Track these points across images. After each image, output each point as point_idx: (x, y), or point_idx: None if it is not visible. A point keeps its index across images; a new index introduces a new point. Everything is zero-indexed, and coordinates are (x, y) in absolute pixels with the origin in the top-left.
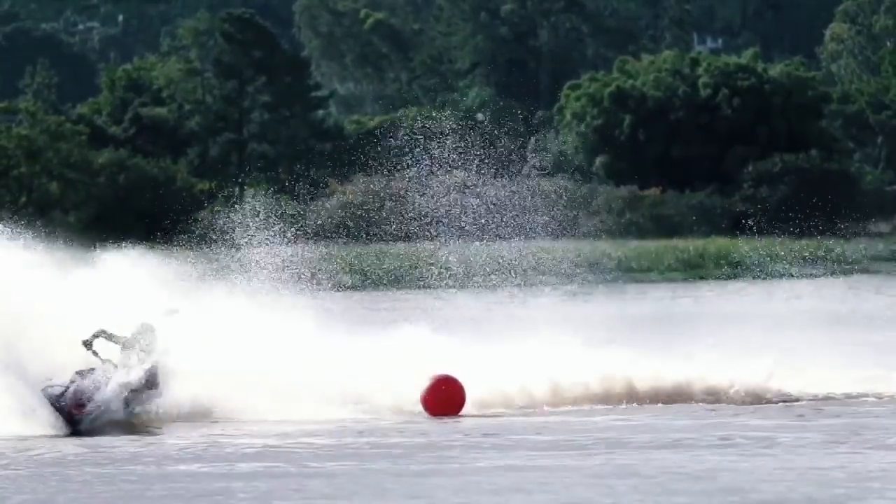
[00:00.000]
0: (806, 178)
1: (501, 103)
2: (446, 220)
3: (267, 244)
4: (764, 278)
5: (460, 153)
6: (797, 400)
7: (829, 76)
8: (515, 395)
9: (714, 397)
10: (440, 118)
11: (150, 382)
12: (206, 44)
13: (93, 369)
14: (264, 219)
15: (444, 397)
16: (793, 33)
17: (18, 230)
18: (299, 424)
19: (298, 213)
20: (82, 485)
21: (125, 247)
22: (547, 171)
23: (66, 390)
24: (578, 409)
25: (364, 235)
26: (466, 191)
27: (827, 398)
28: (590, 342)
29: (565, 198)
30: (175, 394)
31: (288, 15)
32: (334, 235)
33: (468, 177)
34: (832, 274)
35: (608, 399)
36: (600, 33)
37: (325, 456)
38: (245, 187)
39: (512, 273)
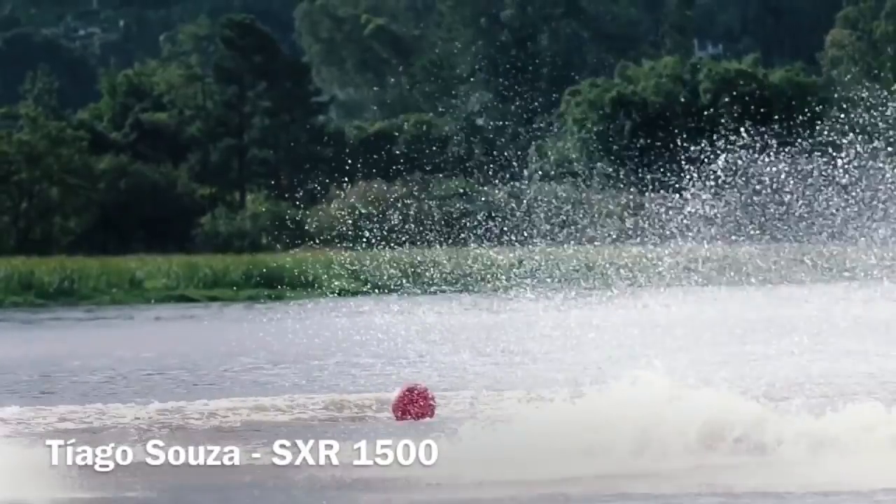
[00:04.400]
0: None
1: (502, 108)
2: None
3: None
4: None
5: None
6: None
7: (830, 82)
8: None
9: None
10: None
11: None
12: (207, 49)
13: None
14: None
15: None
16: (793, 39)
17: None
18: None
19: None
20: None
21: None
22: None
23: None
24: None
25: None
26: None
27: None
28: None
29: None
30: None
31: (288, 20)
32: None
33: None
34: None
35: None
36: (601, 39)
37: None
38: (246, 193)
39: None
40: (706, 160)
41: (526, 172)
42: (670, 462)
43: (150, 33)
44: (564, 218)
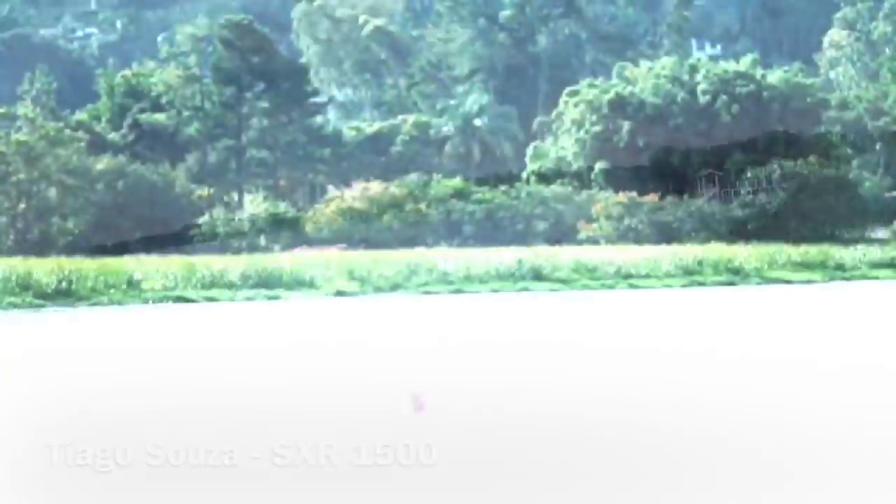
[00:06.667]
0: (804, 184)
1: (500, 109)
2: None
3: None
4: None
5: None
6: None
7: (828, 83)
8: None
9: None
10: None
11: None
12: (205, 50)
13: None
14: None
15: None
16: (791, 40)
17: None
18: None
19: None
20: None
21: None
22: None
23: None
24: None
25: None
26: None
27: None
28: None
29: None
30: None
31: (286, 21)
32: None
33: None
34: (831, 280)
35: None
36: (599, 40)
37: None
38: (244, 193)
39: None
40: None
41: (524, 174)
42: None
43: (148, 34)
44: None
